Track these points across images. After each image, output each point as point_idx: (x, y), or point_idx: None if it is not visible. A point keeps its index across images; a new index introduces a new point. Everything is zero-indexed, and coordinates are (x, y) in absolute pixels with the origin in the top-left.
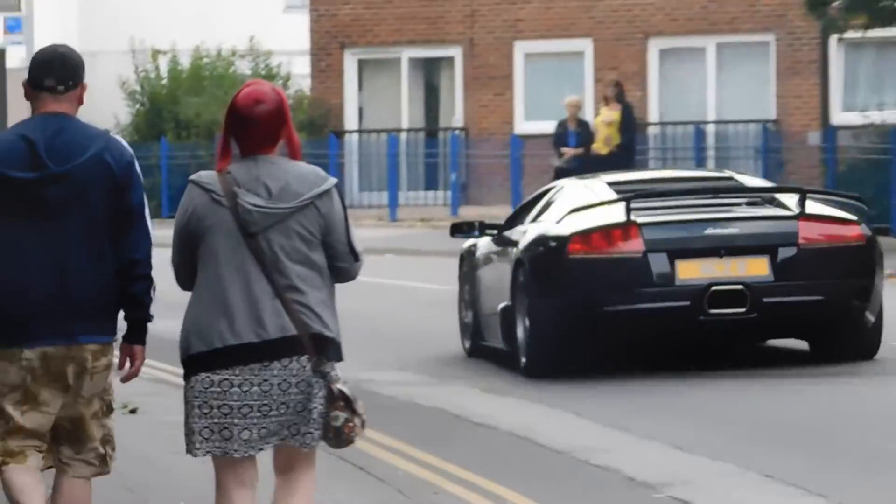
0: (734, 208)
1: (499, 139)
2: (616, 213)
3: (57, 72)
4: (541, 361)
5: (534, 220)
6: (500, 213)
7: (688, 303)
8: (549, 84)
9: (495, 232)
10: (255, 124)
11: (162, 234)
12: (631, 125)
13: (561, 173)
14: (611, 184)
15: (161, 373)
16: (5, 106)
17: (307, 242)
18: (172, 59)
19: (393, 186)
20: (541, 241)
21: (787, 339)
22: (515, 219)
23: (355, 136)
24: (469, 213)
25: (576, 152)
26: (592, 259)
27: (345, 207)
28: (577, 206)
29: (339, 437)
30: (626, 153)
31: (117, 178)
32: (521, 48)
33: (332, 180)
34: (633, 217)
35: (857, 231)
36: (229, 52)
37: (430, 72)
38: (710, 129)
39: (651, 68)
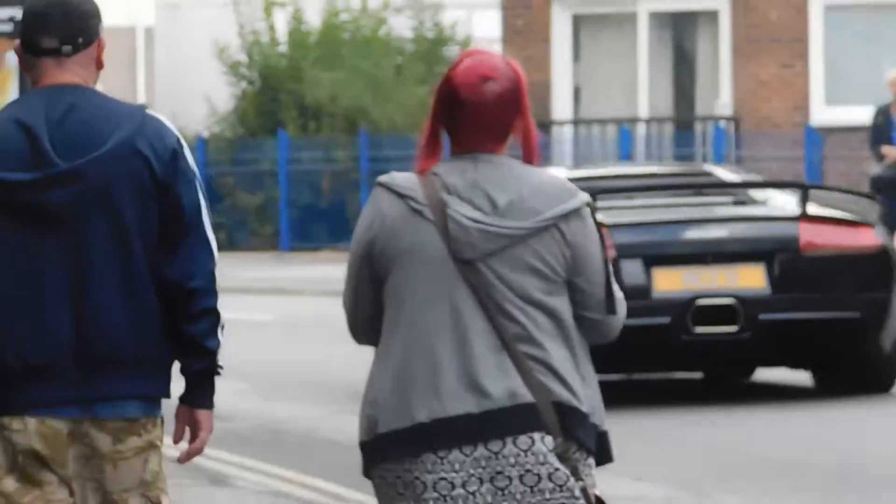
0: (720, 207)
1: (786, 133)
2: None
3: (57, 27)
4: None
5: None
6: None
7: (668, 319)
8: (864, 51)
9: None
10: (478, 110)
11: (282, 275)
12: None
13: (881, 184)
14: (569, 180)
15: (276, 481)
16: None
17: (546, 281)
18: (295, 14)
19: None
20: None
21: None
22: None
23: (568, 129)
24: None
25: None
26: None
27: (601, 236)
28: None
29: None
30: None
31: (157, 174)
32: None
33: (584, 196)
34: (600, 217)
35: (871, 237)
36: (379, 6)
37: (681, 33)
38: None
39: None
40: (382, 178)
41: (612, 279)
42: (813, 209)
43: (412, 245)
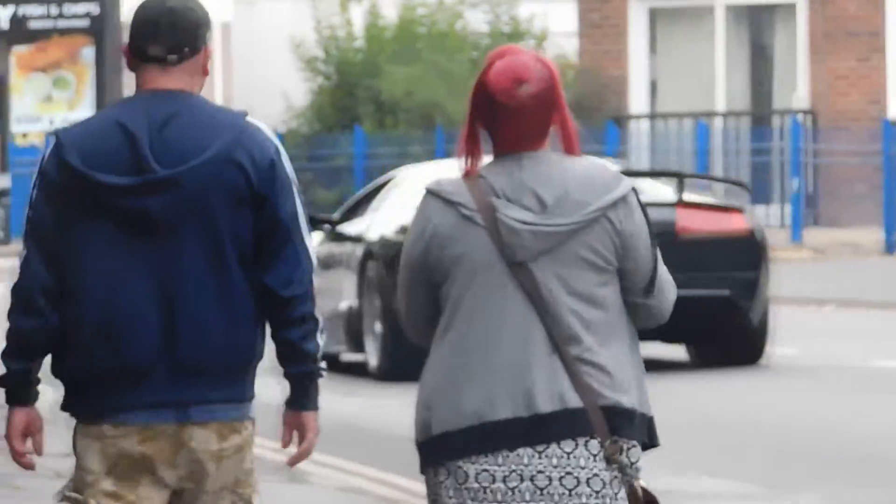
0: None
1: (863, 127)
2: None
3: (165, 35)
4: (401, 364)
5: (379, 210)
6: (866, 237)
7: None
8: None
9: (328, 226)
10: (516, 115)
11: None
12: None
13: None
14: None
15: (353, 477)
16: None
17: (598, 272)
18: (372, 9)
19: None
20: (400, 230)
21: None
22: (353, 212)
23: (645, 124)
24: (819, 237)
25: None
26: None
27: (648, 221)
28: None
29: None
30: None
31: (253, 183)
32: None
33: (628, 182)
34: None
35: (741, 221)
36: (455, 0)
37: (757, 27)
38: None
39: None
40: (430, 186)
41: (660, 262)
42: (688, 196)
43: (465, 251)
